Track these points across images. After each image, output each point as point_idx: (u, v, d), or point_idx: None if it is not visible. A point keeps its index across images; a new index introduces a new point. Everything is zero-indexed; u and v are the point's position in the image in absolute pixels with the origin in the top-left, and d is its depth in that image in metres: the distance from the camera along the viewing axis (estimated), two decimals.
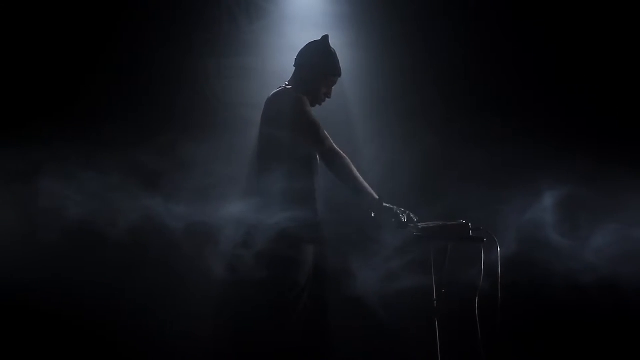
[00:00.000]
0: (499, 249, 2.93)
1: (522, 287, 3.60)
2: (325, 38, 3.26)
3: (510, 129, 4.01)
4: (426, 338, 3.04)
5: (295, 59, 3.27)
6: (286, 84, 3.22)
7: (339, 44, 3.35)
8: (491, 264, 2.92)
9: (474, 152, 3.95)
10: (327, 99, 3.27)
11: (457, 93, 4.16)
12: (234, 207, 3.12)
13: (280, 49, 4.03)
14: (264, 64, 4.18)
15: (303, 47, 3.27)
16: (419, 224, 3.00)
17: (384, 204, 2.98)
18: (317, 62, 3.20)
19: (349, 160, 3.04)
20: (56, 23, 3.97)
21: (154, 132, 3.81)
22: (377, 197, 2.99)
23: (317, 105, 3.24)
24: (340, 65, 3.26)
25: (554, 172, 3.57)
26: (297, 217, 2.98)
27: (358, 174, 3.03)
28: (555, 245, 3.27)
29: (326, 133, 3.06)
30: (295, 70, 3.26)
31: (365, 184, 3.02)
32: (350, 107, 4.17)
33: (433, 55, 4.16)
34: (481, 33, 4.13)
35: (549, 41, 4.10)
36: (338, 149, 3.05)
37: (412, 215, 3.02)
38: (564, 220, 3.29)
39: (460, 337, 3.11)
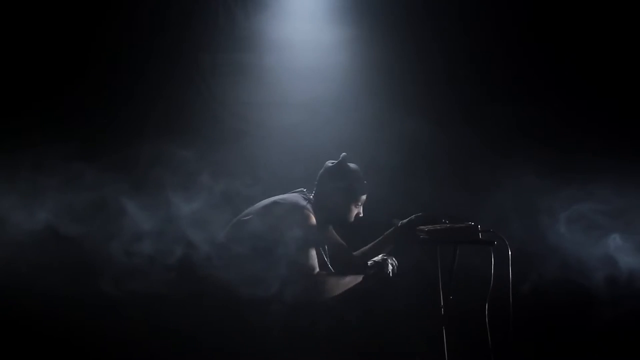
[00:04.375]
0: (509, 252, 2.81)
1: (534, 291, 3.51)
2: (344, 159, 3.01)
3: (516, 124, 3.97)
4: (434, 347, 2.94)
5: (316, 183, 3.03)
6: (309, 199, 2.99)
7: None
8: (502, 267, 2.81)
9: (478, 150, 3.92)
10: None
11: (462, 87, 4.09)
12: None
13: (278, 45, 3.97)
14: (260, 60, 4.09)
15: (322, 170, 3.03)
16: (425, 227, 2.90)
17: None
18: (340, 189, 2.97)
19: (338, 276, 2.92)
20: (46, 15, 3.88)
21: (147, 129, 3.77)
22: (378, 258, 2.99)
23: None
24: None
25: (558, 170, 3.57)
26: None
27: (351, 267, 2.98)
28: (569, 247, 3.22)
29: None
30: (316, 194, 3.02)
31: (361, 265, 2.99)
32: (352, 103, 4.05)
33: (437, 49, 4.09)
34: (487, 25, 4.05)
35: (546, 39, 4.03)
36: (326, 276, 2.89)
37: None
38: (576, 221, 3.24)
39: (470, 345, 3.05)
